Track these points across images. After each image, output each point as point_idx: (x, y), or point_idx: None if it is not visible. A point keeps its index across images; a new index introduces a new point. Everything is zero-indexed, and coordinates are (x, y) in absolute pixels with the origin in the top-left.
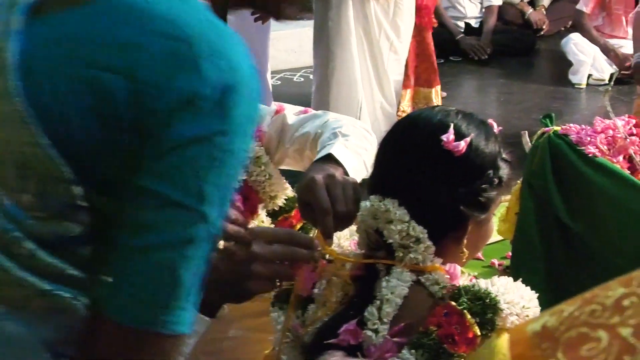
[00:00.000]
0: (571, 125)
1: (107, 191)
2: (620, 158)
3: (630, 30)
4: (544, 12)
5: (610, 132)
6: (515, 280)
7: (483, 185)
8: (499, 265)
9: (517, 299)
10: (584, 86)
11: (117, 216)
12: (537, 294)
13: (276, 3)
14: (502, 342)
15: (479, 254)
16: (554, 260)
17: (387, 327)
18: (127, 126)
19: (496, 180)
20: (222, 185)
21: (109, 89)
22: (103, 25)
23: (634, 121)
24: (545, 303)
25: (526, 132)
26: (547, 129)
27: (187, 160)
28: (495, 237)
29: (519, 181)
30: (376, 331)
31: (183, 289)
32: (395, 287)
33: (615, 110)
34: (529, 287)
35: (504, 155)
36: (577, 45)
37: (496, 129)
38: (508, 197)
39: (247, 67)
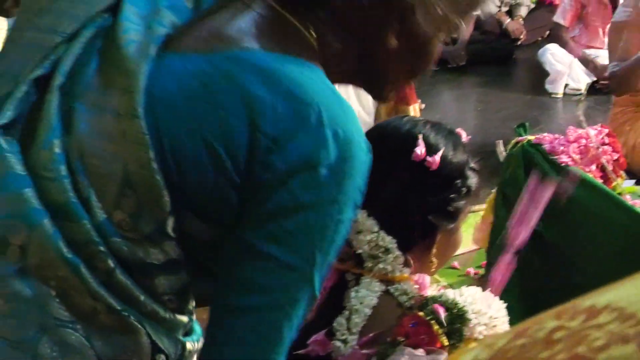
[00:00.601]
0: (545, 134)
1: (205, 231)
2: (593, 167)
3: (606, 40)
4: (522, 21)
5: (583, 141)
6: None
7: (451, 195)
8: (475, 274)
9: (485, 309)
10: (560, 95)
11: (211, 261)
12: (511, 303)
13: (381, 87)
14: None
15: (455, 263)
16: (528, 269)
17: (356, 338)
18: (242, 171)
19: (464, 190)
20: (329, 251)
21: (230, 131)
22: (231, 73)
23: (606, 130)
24: (519, 311)
25: (500, 141)
26: (521, 138)
27: (301, 226)
28: (470, 246)
29: (493, 190)
30: (345, 341)
31: (283, 345)
32: (364, 297)
33: (592, 120)
34: (497, 297)
35: (472, 165)
36: (554, 55)
37: (465, 138)
38: (483, 206)
39: (362, 140)
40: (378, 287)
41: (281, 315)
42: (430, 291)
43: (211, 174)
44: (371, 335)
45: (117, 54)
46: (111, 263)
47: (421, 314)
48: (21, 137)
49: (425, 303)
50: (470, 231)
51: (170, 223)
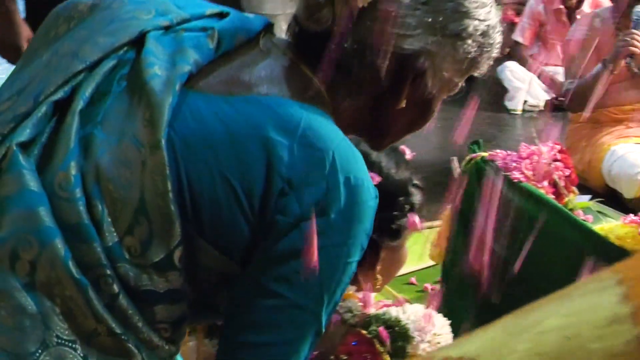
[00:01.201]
0: (498, 151)
1: (214, 260)
2: (545, 183)
3: None
4: None
5: (535, 157)
6: (445, 304)
7: (394, 213)
8: (432, 289)
9: (429, 327)
10: (519, 112)
11: (212, 295)
12: (467, 319)
13: (382, 139)
14: None
15: (412, 279)
16: (481, 285)
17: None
18: (257, 210)
19: (408, 207)
20: (336, 292)
21: (248, 171)
22: (251, 116)
23: (558, 147)
24: (475, 327)
25: (455, 158)
26: (474, 155)
27: (317, 269)
28: (428, 261)
29: (449, 207)
30: None
31: None
32: None
33: (550, 136)
34: (440, 314)
35: (415, 182)
36: (512, 72)
37: (409, 155)
38: (439, 222)
39: (371, 186)
40: None
41: (291, 350)
42: (374, 309)
43: (226, 208)
44: (316, 353)
45: (142, 86)
46: (116, 287)
47: (364, 332)
48: (39, 156)
49: (368, 321)
50: (427, 247)
51: (177, 253)
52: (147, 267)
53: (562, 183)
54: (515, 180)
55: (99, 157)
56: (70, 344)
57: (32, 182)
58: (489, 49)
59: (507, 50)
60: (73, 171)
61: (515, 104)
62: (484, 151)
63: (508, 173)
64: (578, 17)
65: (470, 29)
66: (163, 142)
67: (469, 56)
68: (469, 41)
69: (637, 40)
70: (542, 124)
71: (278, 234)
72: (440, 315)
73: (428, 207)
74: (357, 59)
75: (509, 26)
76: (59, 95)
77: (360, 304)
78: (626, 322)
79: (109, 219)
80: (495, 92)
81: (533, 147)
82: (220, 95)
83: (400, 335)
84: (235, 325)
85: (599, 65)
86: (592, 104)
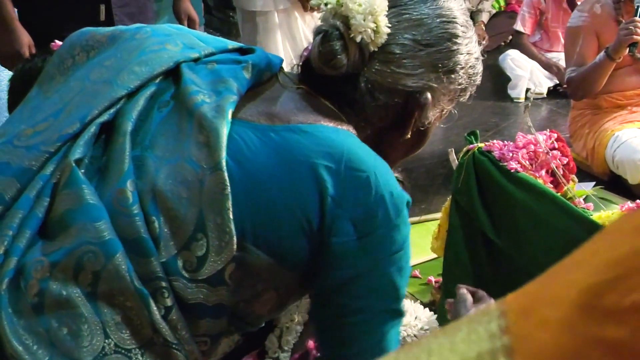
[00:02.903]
0: (494, 141)
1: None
2: (543, 172)
3: None
4: (483, 27)
5: (532, 147)
6: (446, 296)
7: None
8: (436, 282)
9: (414, 322)
10: (522, 100)
11: (254, 306)
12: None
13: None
14: None
15: (416, 272)
16: (482, 276)
17: (289, 355)
18: (315, 230)
19: None
20: (406, 282)
21: (300, 192)
22: (296, 142)
23: (555, 135)
24: None
25: (452, 149)
26: (471, 146)
27: (384, 279)
28: (431, 254)
29: (448, 198)
30: (277, 359)
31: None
32: (295, 315)
33: (554, 123)
34: (427, 309)
35: (398, 177)
36: (514, 61)
37: None
38: (439, 214)
39: (403, 192)
40: (309, 304)
41: (384, 342)
42: None
43: (286, 226)
44: (303, 350)
45: (191, 112)
46: (171, 300)
47: None
48: (93, 173)
49: None
50: (429, 239)
51: (229, 269)
52: (200, 282)
53: (560, 172)
54: (512, 170)
55: (155, 176)
56: (126, 352)
57: (93, 197)
58: (475, 78)
59: (509, 38)
60: (131, 188)
61: (517, 92)
62: (482, 142)
63: (505, 163)
64: (579, 3)
65: (462, 62)
66: (224, 164)
67: (461, 87)
68: (461, 73)
69: None
70: (546, 111)
71: (342, 258)
72: (427, 309)
73: (429, 199)
74: (369, 97)
75: (511, 14)
76: (105, 117)
77: None
78: (500, 356)
79: (167, 235)
80: (498, 81)
81: (530, 136)
82: (265, 124)
83: None
84: (331, 345)
85: (602, 54)
86: (595, 91)
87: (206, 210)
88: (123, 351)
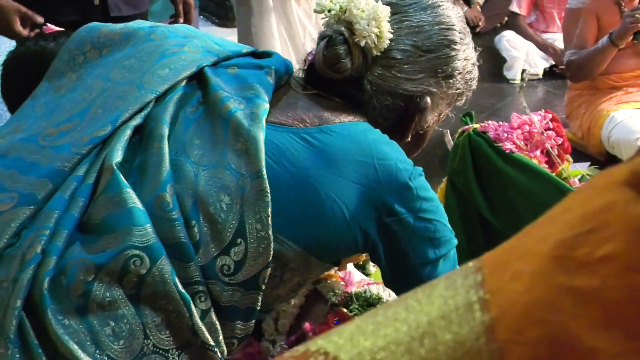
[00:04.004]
0: (489, 122)
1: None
2: (538, 153)
3: None
4: (479, 9)
5: (527, 127)
6: None
7: None
8: None
9: None
10: (518, 81)
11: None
12: None
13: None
14: None
15: None
16: (478, 256)
17: (285, 337)
18: (359, 222)
19: None
20: (445, 221)
21: (345, 188)
22: (334, 144)
23: (550, 115)
24: None
25: (448, 130)
26: (466, 127)
27: (436, 231)
28: None
29: (444, 179)
30: (273, 342)
31: None
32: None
33: (549, 104)
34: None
35: None
36: (509, 42)
37: None
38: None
39: (417, 169)
40: (305, 287)
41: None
42: (356, 287)
43: (332, 221)
44: (299, 333)
45: (225, 119)
46: (208, 303)
47: (345, 310)
48: (131, 177)
49: (349, 299)
50: None
51: (264, 274)
52: (236, 285)
53: (555, 152)
54: (507, 151)
55: (195, 181)
56: (164, 353)
57: (137, 201)
58: (471, 82)
59: (505, 20)
60: (171, 193)
61: (513, 73)
62: (477, 123)
63: (500, 144)
64: None
65: (460, 68)
66: (264, 171)
67: (458, 91)
68: (459, 78)
69: None
70: (542, 93)
71: (400, 231)
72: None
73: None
74: (375, 98)
75: None
76: (137, 121)
77: (342, 283)
78: (476, 309)
79: (207, 239)
80: (494, 63)
81: (524, 117)
82: (298, 127)
83: None
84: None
85: (605, 39)
86: (595, 75)
87: (247, 216)
88: (161, 351)
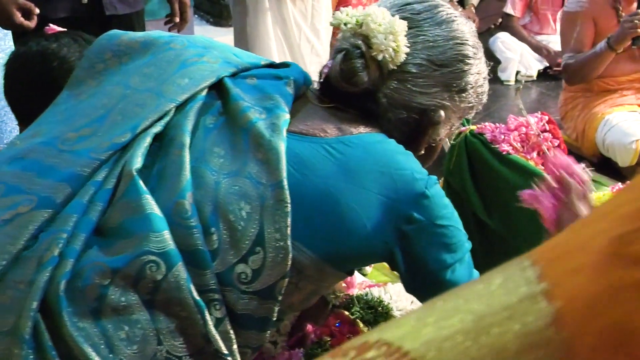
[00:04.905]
0: (486, 124)
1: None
2: (534, 154)
3: (557, 27)
4: (474, 10)
5: (524, 129)
6: None
7: None
8: None
9: (410, 306)
10: (512, 82)
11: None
12: None
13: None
14: None
15: None
16: (474, 257)
17: (286, 338)
18: (378, 231)
19: None
20: (460, 226)
21: (365, 197)
22: (353, 155)
23: (547, 117)
24: None
25: None
26: (463, 128)
27: (452, 237)
28: None
29: (440, 180)
30: (275, 343)
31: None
32: None
33: (543, 106)
34: None
35: None
36: (503, 43)
37: None
38: None
39: (431, 178)
40: (318, 295)
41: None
42: (357, 290)
43: (350, 229)
44: (300, 334)
45: (246, 129)
46: (223, 311)
47: (347, 313)
48: (154, 184)
49: (350, 302)
50: None
51: (281, 284)
52: (252, 293)
53: (551, 154)
54: (504, 152)
55: (215, 189)
56: (176, 359)
57: (155, 207)
58: (482, 96)
59: (499, 21)
60: (189, 200)
61: (507, 74)
62: (473, 124)
63: (496, 145)
64: None
65: (472, 82)
66: (285, 182)
67: (470, 105)
68: (471, 92)
69: None
70: (536, 94)
71: (418, 239)
72: None
73: None
74: (390, 112)
75: None
76: (157, 129)
77: (344, 285)
78: (540, 300)
79: (226, 247)
80: (488, 64)
81: (521, 119)
82: (318, 137)
83: (382, 315)
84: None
85: (603, 44)
86: (592, 78)
87: (266, 225)
88: (174, 358)
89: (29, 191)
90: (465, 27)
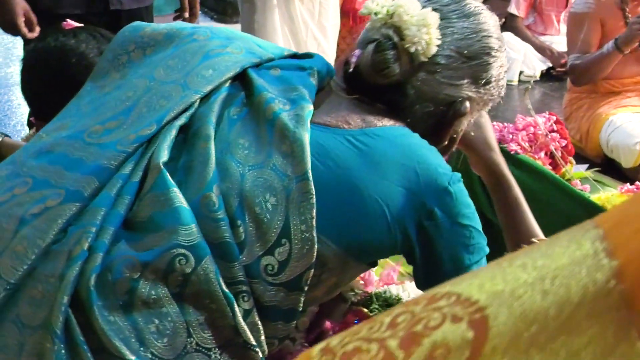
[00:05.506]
0: (494, 123)
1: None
2: (542, 154)
3: (561, 28)
4: None
5: (532, 129)
6: None
7: None
8: None
9: None
10: (515, 83)
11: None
12: None
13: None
14: None
15: None
16: None
17: (304, 335)
18: (402, 224)
19: None
20: (480, 228)
21: (388, 190)
22: (376, 147)
23: (554, 118)
24: None
25: None
26: None
27: (462, 236)
28: None
29: None
30: (293, 339)
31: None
32: None
33: (547, 106)
34: None
35: None
36: (507, 44)
37: None
38: None
39: (455, 174)
40: (341, 289)
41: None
42: (375, 287)
43: (373, 222)
44: (318, 331)
45: (270, 120)
46: (251, 303)
47: (365, 310)
48: (176, 176)
49: (369, 299)
50: None
51: (307, 275)
52: (279, 285)
53: (558, 154)
54: (512, 152)
55: (241, 181)
56: (206, 351)
57: (182, 201)
58: (502, 90)
59: (502, 21)
60: (216, 193)
61: (511, 75)
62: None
63: (505, 145)
64: None
65: (496, 75)
66: (309, 173)
67: (492, 97)
68: (494, 84)
69: None
70: (539, 94)
71: (437, 235)
72: None
73: None
74: (417, 104)
75: None
76: (182, 121)
77: (362, 282)
78: (603, 256)
79: (252, 239)
80: None
81: (529, 119)
82: (342, 128)
83: None
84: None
85: (611, 45)
86: (598, 79)
87: (292, 217)
88: (203, 350)
89: (57, 185)
90: (491, 20)
